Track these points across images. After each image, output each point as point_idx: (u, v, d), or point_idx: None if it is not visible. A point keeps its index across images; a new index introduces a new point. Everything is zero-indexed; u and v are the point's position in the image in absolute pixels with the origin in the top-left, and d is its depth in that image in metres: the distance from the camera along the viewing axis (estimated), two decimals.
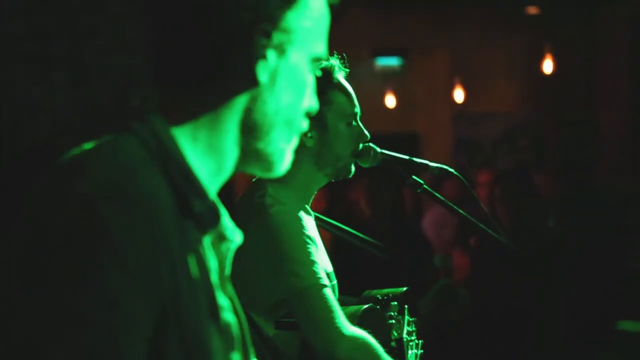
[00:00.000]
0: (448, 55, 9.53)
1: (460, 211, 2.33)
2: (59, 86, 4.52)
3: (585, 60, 9.28)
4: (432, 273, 5.07)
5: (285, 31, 1.21)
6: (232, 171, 1.27)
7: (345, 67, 2.33)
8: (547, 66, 8.45)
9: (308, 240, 2.17)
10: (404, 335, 2.26)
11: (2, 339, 1.01)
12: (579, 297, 4.26)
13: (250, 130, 1.23)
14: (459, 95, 9.26)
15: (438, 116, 9.57)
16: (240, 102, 1.21)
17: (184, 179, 1.15)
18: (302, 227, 2.19)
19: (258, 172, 1.31)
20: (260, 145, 1.26)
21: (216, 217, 1.22)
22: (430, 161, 2.39)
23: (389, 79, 9.27)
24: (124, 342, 1.02)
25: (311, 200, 2.33)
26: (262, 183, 2.27)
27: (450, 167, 2.38)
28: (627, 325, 4.32)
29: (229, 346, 1.22)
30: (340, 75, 2.31)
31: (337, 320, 2.09)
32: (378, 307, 2.25)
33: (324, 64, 2.29)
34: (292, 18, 1.21)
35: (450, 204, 2.35)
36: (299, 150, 2.24)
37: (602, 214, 4.53)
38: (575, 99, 9.31)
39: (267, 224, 2.16)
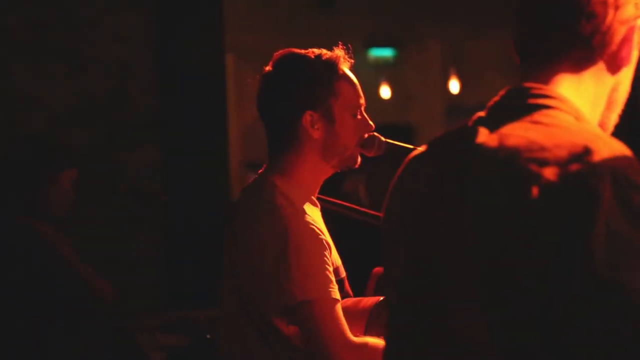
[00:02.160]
0: (442, 46, 9.52)
1: None
2: (56, 77, 4.51)
3: None
4: None
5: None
6: None
7: (350, 57, 2.33)
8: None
9: (320, 247, 2.14)
10: None
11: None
12: None
13: (609, 106, 1.42)
14: (453, 86, 9.26)
15: (432, 107, 9.58)
16: (611, 82, 1.40)
17: None
18: (315, 232, 2.15)
19: None
20: (608, 119, 1.44)
21: None
22: None
23: (383, 70, 9.26)
24: None
25: (317, 191, 2.33)
26: (268, 177, 2.25)
27: None
28: None
29: None
30: (346, 67, 2.31)
31: (342, 335, 2.07)
32: None
33: (329, 54, 2.29)
34: None
35: None
36: (306, 142, 2.25)
37: None
38: None
39: (278, 227, 2.13)
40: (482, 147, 1.28)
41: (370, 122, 2.33)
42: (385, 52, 9.43)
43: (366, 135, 2.32)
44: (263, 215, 2.17)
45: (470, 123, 1.36)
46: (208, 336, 3.39)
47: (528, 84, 1.36)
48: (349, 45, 2.34)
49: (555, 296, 1.15)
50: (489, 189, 1.25)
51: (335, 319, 2.08)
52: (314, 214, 2.23)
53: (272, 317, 2.14)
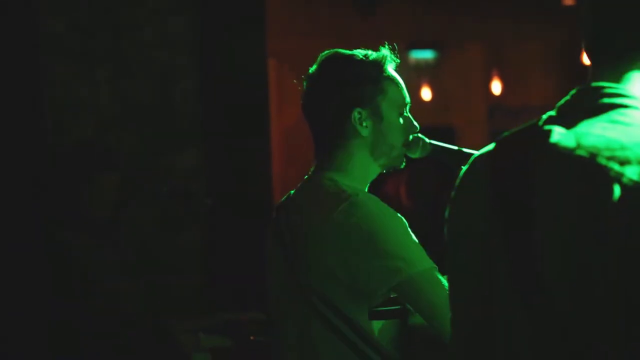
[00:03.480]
0: (483, 47, 9.48)
1: None
2: (101, 82, 4.56)
3: None
4: None
5: None
6: None
7: (396, 57, 2.34)
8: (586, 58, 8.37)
9: (405, 223, 2.16)
10: None
11: None
12: None
13: None
14: (495, 87, 9.21)
15: (473, 109, 9.53)
16: None
17: None
18: (393, 210, 2.17)
19: None
20: None
21: None
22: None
23: (424, 72, 9.25)
24: None
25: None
26: (323, 174, 2.25)
27: None
28: None
29: None
30: (391, 66, 2.32)
31: None
32: None
33: (376, 54, 2.30)
34: None
35: None
36: (355, 140, 2.26)
37: None
38: None
39: (358, 213, 2.12)
40: (558, 146, 1.26)
41: (415, 123, 2.34)
42: (426, 54, 9.42)
43: (411, 137, 2.33)
44: (335, 207, 2.15)
45: (540, 122, 1.33)
46: (252, 337, 3.40)
47: (600, 83, 1.34)
48: (395, 45, 2.35)
49: (635, 293, 1.15)
50: (565, 188, 1.23)
51: (443, 286, 2.06)
52: None
53: (352, 312, 2.13)
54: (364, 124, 2.26)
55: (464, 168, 1.44)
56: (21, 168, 4.20)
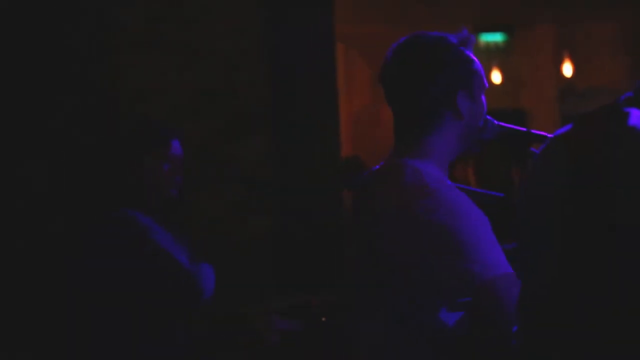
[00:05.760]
0: (553, 29, 9.34)
1: None
2: (169, 71, 4.62)
3: None
4: None
5: None
6: None
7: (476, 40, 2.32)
8: None
9: (487, 221, 2.07)
10: None
11: None
12: None
13: None
14: (566, 69, 9.09)
15: (544, 92, 9.42)
16: None
17: None
18: (477, 207, 2.09)
19: None
20: None
21: None
22: None
23: (494, 55, 9.17)
24: None
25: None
26: (405, 161, 2.18)
27: None
28: None
29: None
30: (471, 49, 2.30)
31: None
32: None
33: (462, 36, 2.22)
34: None
35: None
36: (451, 123, 2.21)
37: None
38: None
39: (442, 210, 2.05)
40: (636, 130, 1.25)
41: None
42: (496, 37, 9.33)
43: None
44: (416, 201, 2.08)
45: (618, 104, 1.32)
46: (323, 319, 3.41)
47: None
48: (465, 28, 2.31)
49: None
50: None
51: (513, 293, 1.95)
52: None
53: (423, 307, 2.09)
54: (463, 106, 2.19)
55: (540, 148, 1.42)
56: (93, 158, 4.29)
